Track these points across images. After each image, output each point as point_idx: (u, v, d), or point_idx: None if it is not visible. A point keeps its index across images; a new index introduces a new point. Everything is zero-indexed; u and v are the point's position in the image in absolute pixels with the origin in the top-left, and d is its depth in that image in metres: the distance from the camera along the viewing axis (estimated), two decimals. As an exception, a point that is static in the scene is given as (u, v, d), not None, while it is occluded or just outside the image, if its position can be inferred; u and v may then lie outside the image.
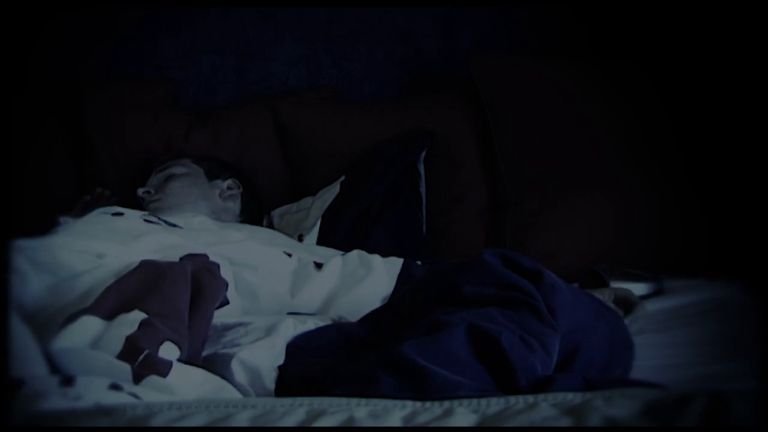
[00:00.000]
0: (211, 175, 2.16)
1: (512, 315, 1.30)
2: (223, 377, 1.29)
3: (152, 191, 2.10)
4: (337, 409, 1.01)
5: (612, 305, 1.65)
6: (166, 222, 1.79)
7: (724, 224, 2.07)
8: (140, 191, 2.10)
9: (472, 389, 1.15)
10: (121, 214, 1.71)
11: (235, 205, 2.16)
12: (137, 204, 2.26)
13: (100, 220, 1.67)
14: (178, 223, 1.80)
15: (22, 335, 1.17)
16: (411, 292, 1.47)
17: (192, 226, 1.83)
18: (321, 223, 2.12)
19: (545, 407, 1.00)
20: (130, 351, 1.18)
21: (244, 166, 2.32)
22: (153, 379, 1.17)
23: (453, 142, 2.30)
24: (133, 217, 1.72)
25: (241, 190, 2.18)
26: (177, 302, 1.30)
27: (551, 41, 2.48)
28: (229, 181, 2.17)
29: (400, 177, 2.21)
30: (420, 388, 1.13)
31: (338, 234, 2.07)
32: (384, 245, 1.96)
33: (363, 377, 1.19)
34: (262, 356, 1.33)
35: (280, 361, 1.35)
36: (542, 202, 2.15)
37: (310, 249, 1.90)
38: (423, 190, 2.26)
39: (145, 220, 1.73)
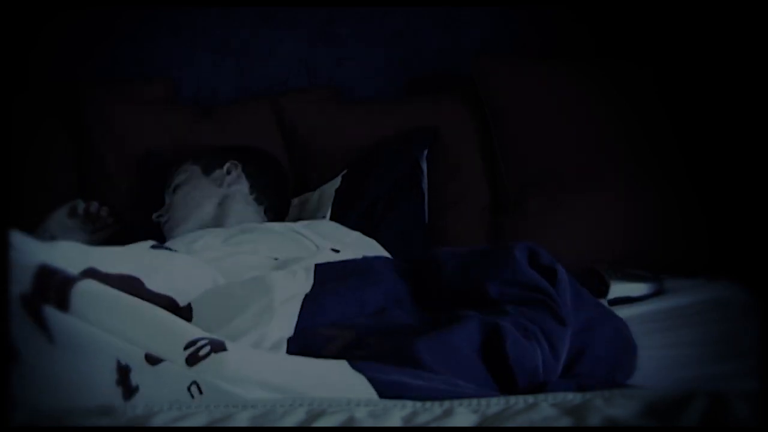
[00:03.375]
0: (208, 169, 2.12)
1: (530, 314, 1.32)
2: None
3: (163, 213, 2.08)
4: (337, 409, 1.01)
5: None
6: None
7: (724, 224, 2.07)
8: (154, 217, 2.09)
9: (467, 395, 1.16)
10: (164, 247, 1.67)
11: (241, 186, 2.11)
12: (139, 205, 2.26)
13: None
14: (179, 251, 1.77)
15: None
16: (439, 280, 1.47)
17: (194, 251, 1.79)
18: (330, 216, 2.11)
19: (545, 407, 1.00)
20: None
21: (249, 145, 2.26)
22: None
23: (453, 142, 2.30)
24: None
25: (241, 167, 2.12)
26: None
27: (551, 41, 2.48)
28: (227, 165, 2.12)
29: (403, 173, 2.22)
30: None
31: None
32: (392, 241, 1.97)
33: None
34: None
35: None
36: (542, 202, 2.15)
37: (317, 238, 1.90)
38: (425, 186, 2.26)
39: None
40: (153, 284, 1.39)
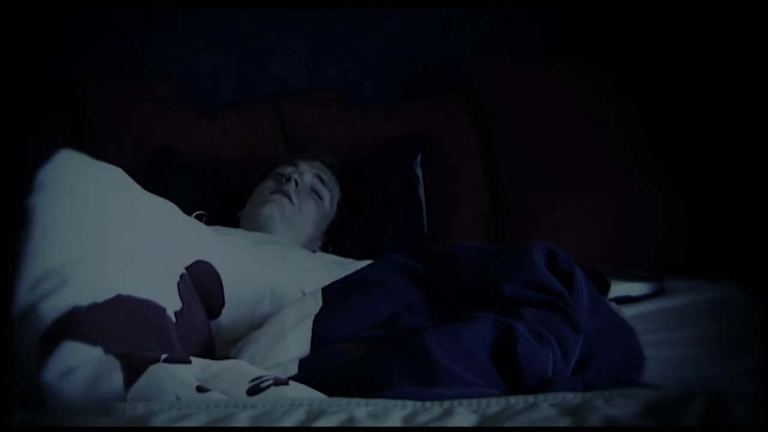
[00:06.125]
0: None
1: (545, 318, 1.31)
2: None
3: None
4: (337, 409, 1.01)
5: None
6: None
7: (725, 225, 2.06)
8: (239, 214, 2.16)
9: (479, 388, 1.15)
10: None
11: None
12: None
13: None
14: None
15: None
16: (455, 279, 1.45)
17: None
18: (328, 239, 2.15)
19: (545, 407, 0.99)
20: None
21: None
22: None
23: (454, 146, 2.30)
24: None
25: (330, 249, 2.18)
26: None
27: (552, 41, 2.47)
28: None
29: (398, 184, 2.21)
30: (431, 380, 1.14)
31: (348, 249, 2.08)
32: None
33: (374, 364, 1.20)
34: None
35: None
36: (542, 203, 2.15)
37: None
38: (422, 193, 2.25)
39: None
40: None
